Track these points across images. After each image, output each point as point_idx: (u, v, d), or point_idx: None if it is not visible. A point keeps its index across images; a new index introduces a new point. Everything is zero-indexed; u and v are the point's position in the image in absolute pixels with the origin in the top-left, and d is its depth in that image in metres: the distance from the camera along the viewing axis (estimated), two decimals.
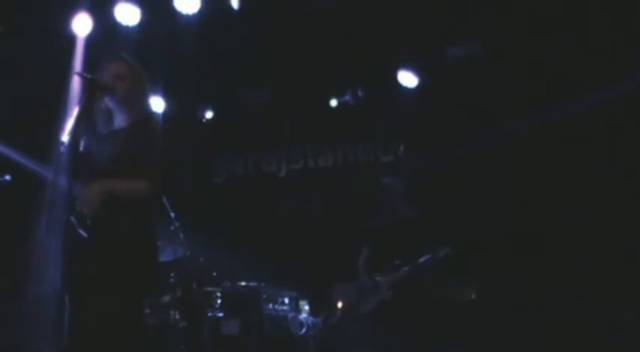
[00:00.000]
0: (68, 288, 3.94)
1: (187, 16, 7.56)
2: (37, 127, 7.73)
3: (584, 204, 7.37)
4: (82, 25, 7.68)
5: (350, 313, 7.33)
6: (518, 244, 7.63)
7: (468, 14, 7.51)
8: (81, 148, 4.22)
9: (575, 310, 7.11)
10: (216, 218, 9.36)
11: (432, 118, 8.57)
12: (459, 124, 8.31)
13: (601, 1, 7.24)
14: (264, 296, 7.64)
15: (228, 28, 8.01)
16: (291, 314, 7.78)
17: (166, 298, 7.19)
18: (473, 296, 7.64)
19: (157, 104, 8.29)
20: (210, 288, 7.74)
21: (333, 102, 9.39)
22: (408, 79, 8.41)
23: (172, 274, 7.26)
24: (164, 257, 7.14)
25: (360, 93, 9.14)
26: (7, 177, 5.92)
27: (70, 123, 4.12)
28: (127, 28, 7.58)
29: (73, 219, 4.10)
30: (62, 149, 4.06)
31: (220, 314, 7.54)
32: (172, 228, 7.23)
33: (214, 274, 8.03)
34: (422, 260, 6.41)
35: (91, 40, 7.84)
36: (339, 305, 7.56)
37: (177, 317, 7.16)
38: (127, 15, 7.53)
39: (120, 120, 4.49)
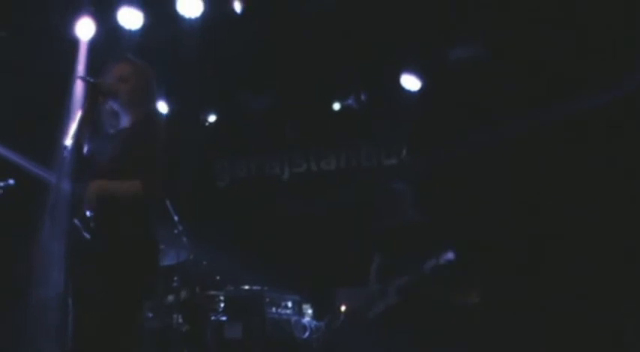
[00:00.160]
0: (71, 291, 3.98)
1: (190, 20, 7.56)
2: (40, 131, 7.76)
3: (584, 204, 7.36)
4: (85, 29, 7.71)
5: (354, 317, 7.34)
6: (518, 244, 7.64)
7: (469, 14, 7.52)
8: (84, 152, 4.26)
9: (575, 310, 7.10)
10: (219, 221, 9.37)
11: (434, 120, 8.58)
12: (460, 125, 8.31)
13: (601, 1, 7.25)
14: (267, 299, 7.63)
15: (231, 32, 8.02)
16: (294, 318, 7.77)
17: (170, 298, 7.21)
18: (477, 300, 7.64)
19: (160, 108, 8.31)
20: (213, 292, 7.75)
21: (336, 106, 9.40)
22: (410, 82, 8.43)
23: (175, 278, 7.28)
24: (167, 260, 7.17)
25: (363, 96, 9.16)
26: (11, 181, 5.93)
27: (73, 127, 4.17)
28: (129, 32, 7.59)
29: (77, 221, 4.14)
30: (65, 153, 4.10)
31: (223, 318, 7.54)
32: (175, 231, 7.24)
33: (217, 278, 8.03)
34: (428, 264, 6.42)
35: (94, 44, 7.87)
36: (343, 309, 7.57)
37: (180, 320, 7.17)
38: (130, 19, 7.54)
39: (125, 121, 4.50)
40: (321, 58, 8.30)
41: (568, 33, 7.39)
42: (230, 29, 7.98)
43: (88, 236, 4.12)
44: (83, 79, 4.48)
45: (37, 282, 7.79)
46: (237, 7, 7.62)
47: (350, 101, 9.23)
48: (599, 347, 6.89)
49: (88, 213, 4.12)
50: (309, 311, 8.03)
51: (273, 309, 7.67)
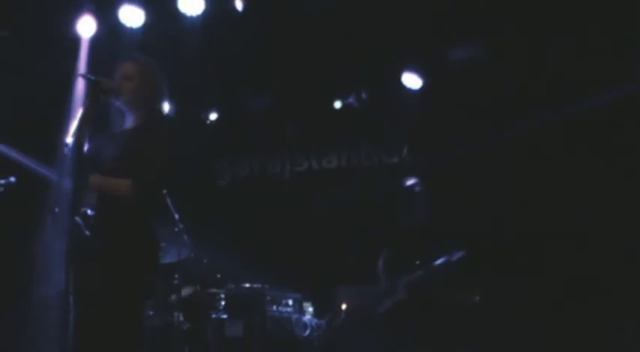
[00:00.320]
0: (72, 289, 3.99)
1: (191, 18, 7.54)
2: (41, 129, 7.76)
3: (584, 204, 7.36)
4: (86, 26, 7.71)
5: (355, 315, 7.36)
6: (518, 244, 7.63)
7: (469, 14, 7.52)
8: (85, 149, 4.27)
9: (575, 310, 7.12)
10: (220, 220, 9.38)
11: (435, 119, 8.58)
12: (460, 125, 8.32)
13: (601, 1, 7.25)
14: (268, 298, 7.65)
15: (232, 30, 8.02)
16: (294, 316, 7.79)
17: (173, 297, 7.22)
18: (477, 299, 7.65)
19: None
20: (214, 290, 7.75)
21: (337, 105, 9.41)
22: (412, 80, 8.44)
23: (176, 276, 7.29)
24: (168, 258, 7.18)
25: (364, 95, 9.16)
26: (12, 179, 5.94)
27: (74, 125, 4.18)
28: (131, 29, 7.59)
29: (78, 219, 4.15)
30: (66, 151, 4.11)
31: (224, 316, 7.56)
32: (177, 229, 7.25)
33: (218, 276, 8.03)
34: (438, 262, 6.44)
35: (95, 42, 7.87)
36: (343, 307, 7.58)
37: (181, 318, 7.17)
38: (131, 17, 7.53)
39: (130, 121, 4.52)
40: (322, 57, 8.29)
41: (568, 33, 7.39)
42: (232, 27, 7.97)
43: (88, 233, 4.14)
44: (84, 76, 4.49)
45: (38, 281, 7.80)
46: (239, 5, 7.61)
47: (351, 100, 9.23)
48: (599, 347, 6.88)
49: (89, 212, 4.14)
50: (310, 310, 8.05)
51: (274, 307, 7.68)
